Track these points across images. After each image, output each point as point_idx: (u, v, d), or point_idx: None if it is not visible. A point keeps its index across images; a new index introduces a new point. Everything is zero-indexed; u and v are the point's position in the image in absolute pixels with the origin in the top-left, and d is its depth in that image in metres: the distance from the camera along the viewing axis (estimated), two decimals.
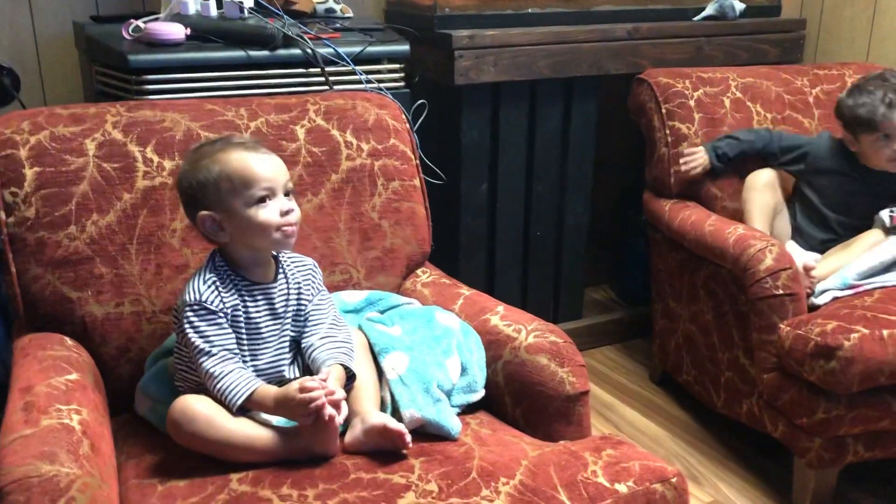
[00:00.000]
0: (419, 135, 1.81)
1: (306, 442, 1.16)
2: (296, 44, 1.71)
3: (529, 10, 2.21)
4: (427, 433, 1.24)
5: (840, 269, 1.85)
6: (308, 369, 1.26)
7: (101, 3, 2.02)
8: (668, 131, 2.08)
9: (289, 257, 1.31)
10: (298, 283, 1.28)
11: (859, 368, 1.57)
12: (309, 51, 1.71)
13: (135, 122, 1.44)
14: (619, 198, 2.69)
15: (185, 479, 1.14)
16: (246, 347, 1.22)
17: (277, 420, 1.18)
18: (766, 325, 1.72)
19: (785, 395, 1.70)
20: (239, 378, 1.16)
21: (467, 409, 1.36)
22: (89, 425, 1.09)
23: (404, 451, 1.18)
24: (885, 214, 1.90)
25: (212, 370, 1.16)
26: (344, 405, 1.16)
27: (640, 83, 2.16)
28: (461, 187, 2.20)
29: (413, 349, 1.33)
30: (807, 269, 1.82)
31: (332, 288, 1.51)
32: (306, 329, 1.28)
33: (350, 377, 1.23)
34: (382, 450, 1.17)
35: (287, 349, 1.27)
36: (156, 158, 1.42)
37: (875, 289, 1.80)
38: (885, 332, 1.59)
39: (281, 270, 1.27)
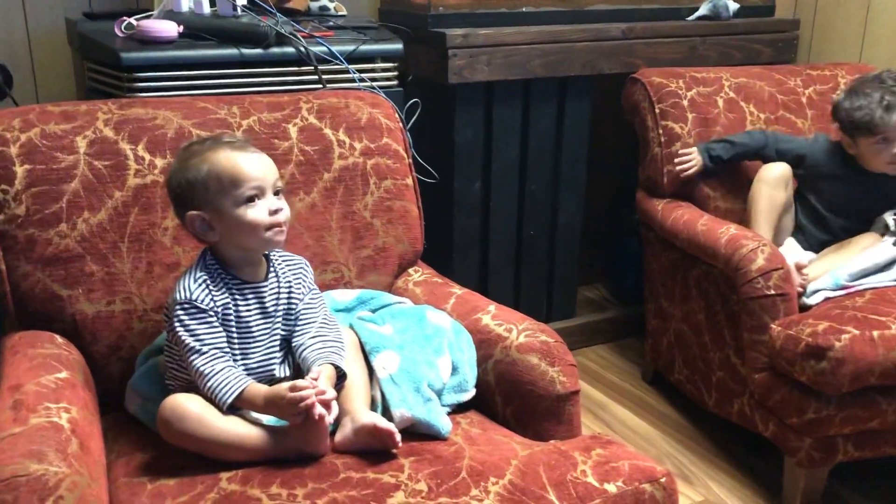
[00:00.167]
0: (412, 134, 1.81)
1: (296, 441, 1.16)
2: (289, 42, 1.71)
3: (523, 9, 2.21)
4: (417, 432, 1.24)
5: (832, 269, 1.86)
6: (299, 368, 1.26)
7: (95, 0, 2.02)
8: (661, 131, 2.08)
9: (280, 256, 1.30)
10: (289, 281, 1.28)
11: (850, 369, 1.57)
12: (302, 49, 1.71)
13: (126, 119, 1.44)
14: (613, 197, 2.69)
15: (174, 477, 1.14)
16: (236, 346, 1.22)
17: (268, 419, 1.18)
18: (757, 325, 1.73)
19: (776, 394, 1.71)
20: (229, 376, 1.16)
21: (458, 409, 1.36)
22: (78, 424, 1.09)
23: (394, 451, 1.18)
24: (889, 218, 1.89)
25: (202, 368, 1.16)
26: (334, 404, 1.17)
27: (633, 83, 2.16)
28: (455, 186, 2.20)
29: (404, 348, 1.33)
30: (798, 267, 1.83)
31: (324, 287, 1.51)
32: (297, 328, 1.28)
33: (341, 376, 1.23)
34: (372, 449, 1.18)
35: (278, 348, 1.27)
36: (147, 156, 1.42)
37: (866, 290, 1.81)
38: (876, 333, 1.60)
39: (272, 269, 1.27)
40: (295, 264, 1.31)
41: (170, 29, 1.66)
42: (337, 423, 1.21)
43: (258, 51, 1.68)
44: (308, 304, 1.29)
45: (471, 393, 1.37)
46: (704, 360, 1.97)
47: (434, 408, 1.26)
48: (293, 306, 1.28)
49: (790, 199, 1.99)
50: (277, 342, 1.27)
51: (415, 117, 1.86)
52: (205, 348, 1.17)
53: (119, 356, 1.38)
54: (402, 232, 1.62)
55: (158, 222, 1.41)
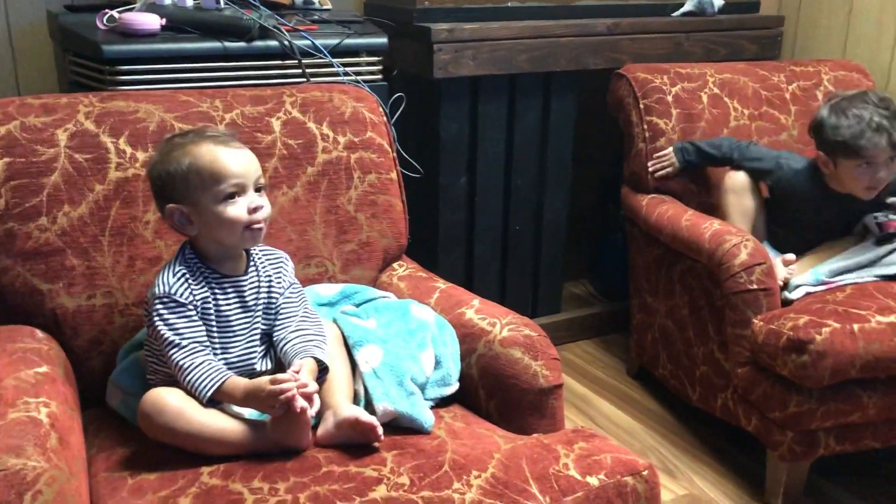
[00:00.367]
0: (398, 128, 1.81)
1: (278, 435, 1.15)
2: (272, 35, 1.70)
3: (509, 5, 2.21)
4: (400, 426, 1.24)
5: (815, 266, 1.87)
6: (280, 363, 1.26)
7: None
8: (645, 126, 2.09)
9: (260, 250, 1.30)
10: (269, 275, 1.28)
11: (830, 362, 1.58)
12: (286, 42, 1.70)
13: (108, 112, 1.42)
14: (599, 192, 2.70)
15: (155, 472, 1.14)
16: (216, 341, 1.22)
17: (249, 413, 1.18)
18: (740, 319, 1.73)
19: (758, 389, 1.72)
20: (208, 369, 1.15)
21: (441, 403, 1.36)
22: (58, 418, 1.08)
23: (376, 445, 1.18)
24: (871, 222, 1.88)
25: (181, 362, 1.15)
26: (316, 398, 1.16)
27: (618, 78, 2.16)
28: (440, 181, 2.20)
29: (387, 342, 1.33)
30: (786, 262, 1.83)
31: (308, 281, 1.51)
32: (277, 322, 1.27)
33: (323, 369, 1.23)
34: (354, 443, 1.17)
35: (258, 342, 1.27)
36: (129, 150, 1.41)
37: (847, 284, 1.82)
38: (856, 327, 1.61)
39: (252, 263, 1.27)
40: (275, 258, 1.31)
41: (152, 22, 1.65)
42: (319, 416, 1.21)
43: (241, 44, 1.67)
44: (288, 297, 1.29)
45: (454, 387, 1.37)
46: (688, 355, 1.97)
47: (417, 402, 1.26)
48: (273, 300, 1.28)
49: (760, 201, 1.97)
50: (258, 336, 1.26)
51: (399, 111, 1.86)
52: (184, 342, 1.16)
53: (100, 350, 1.37)
54: (386, 226, 1.62)
55: (140, 216, 1.40)
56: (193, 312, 1.18)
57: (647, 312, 2.15)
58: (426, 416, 1.25)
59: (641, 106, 2.09)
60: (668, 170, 2.04)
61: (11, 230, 1.32)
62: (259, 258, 1.28)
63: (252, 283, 1.26)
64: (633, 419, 2.13)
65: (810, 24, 2.60)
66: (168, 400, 1.14)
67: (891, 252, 1.85)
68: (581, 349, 2.51)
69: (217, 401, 1.16)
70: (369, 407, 1.25)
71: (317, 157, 1.55)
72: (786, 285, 1.82)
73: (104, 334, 1.37)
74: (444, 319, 1.42)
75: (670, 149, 2.04)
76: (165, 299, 1.17)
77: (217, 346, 1.22)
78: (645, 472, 1.16)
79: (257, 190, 1.21)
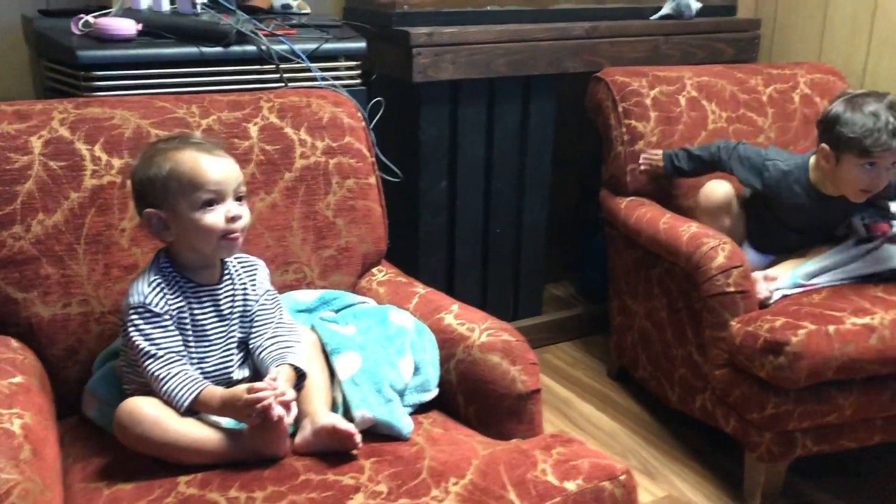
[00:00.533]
0: (377, 132, 1.81)
1: (255, 443, 1.15)
2: (250, 40, 1.69)
3: (488, 8, 2.22)
4: (379, 433, 1.24)
5: (792, 269, 1.88)
6: (258, 371, 1.25)
7: None
8: (624, 129, 2.10)
9: (235, 258, 1.29)
10: (244, 283, 1.28)
11: (806, 363, 1.60)
12: (263, 47, 1.70)
13: (83, 119, 1.41)
14: (579, 195, 2.71)
15: (131, 482, 1.13)
16: (193, 350, 1.21)
17: (226, 421, 1.17)
18: (717, 321, 1.75)
19: (736, 390, 1.73)
20: (185, 379, 1.15)
21: (420, 409, 1.36)
22: (32, 429, 1.07)
23: (354, 452, 1.18)
24: (858, 223, 1.88)
25: (157, 373, 1.15)
26: (294, 405, 1.16)
27: (597, 82, 2.17)
28: (420, 185, 2.20)
29: (366, 349, 1.33)
30: (768, 279, 1.84)
31: (286, 287, 1.50)
32: (253, 329, 1.27)
33: (301, 376, 1.23)
34: (332, 451, 1.17)
35: (235, 351, 1.26)
36: (104, 157, 1.40)
37: (823, 287, 1.84)
38: (832, 328, 1.63)
39: (227, 271, 1.26)
40: (250, 265, 1.30)
41: (128, 27, 1.64)
42: (297, 424, 1.20)
43: (219, 49, 1.66)
44: (263, 305, 1.29)
45: (433, 393, 1.37)
46: (667, 357, 1.99)
47: (395, 408, 1.26)
48: (249, 308, 1.27)
49: (736, 218, 1.97)
50: (234, 345, 1.26)
51: (378, 116, 1.86)
52: (160, 352, 1.16)
53: (76, 359, 1.36)
54: (365, 231, 1.62)
55: (116, 223, 1.39)
56: (169, 322, 1.18)
57: (627, 315, 2.16)
58: (405, 423, 1.25)
59: (620, 109, 2.11)
60: (650, 168, 2.06)
61: None
62: (234, 266, 1.28)
63: (227, 291, 1.25)
64: (614, 421, 2.14)
65: (786, 27, 2.62)
66: (144, 409, 1.14)
67: (869, 252, 1.87)
68: (562, 351, 2.52)
69: (194, 410, 1.15)
70: (348, 414, 1.25)
71: (294, 162, 1.55)
72: (769, 297, 1.82)
73: (80, 343, 1.36)
74: (423, 325, 1.42)
75: (661, 152, 2.05)
76: (141, 309, 1.16)
77: (193, 355, 1.21)
78: (622, 477, 1.17)
79: (238, 199, 1.21)
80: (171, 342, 1.17)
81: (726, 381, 1.75)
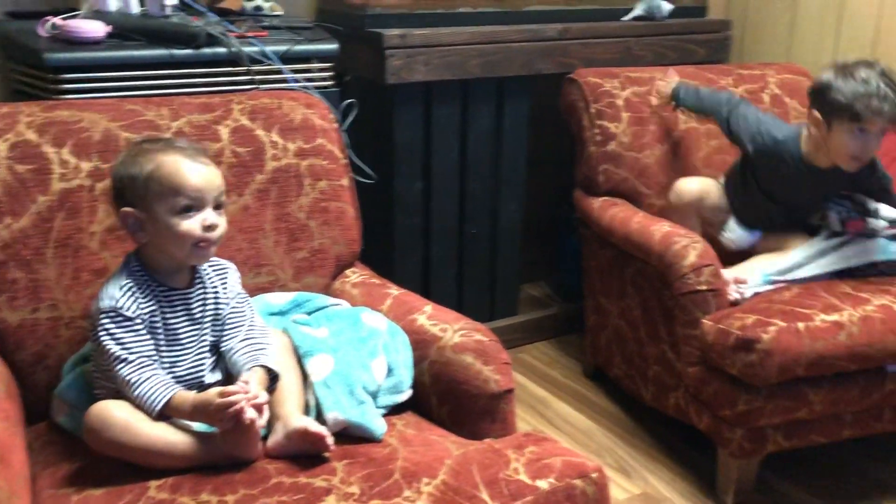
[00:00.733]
0: (351, 134, 1.81)
1: (227, 446, 1.14)
2: (220, 42, 1.68)
3: (460, 10, 2.22)
4: (352, 435, 1.24)
5: (763, 268, 1.90)
6: (230, 374, 1.25)
7: None
8: (596, 130, 2.11)
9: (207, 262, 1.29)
10: (216, 286, 1.27)
11: (777, 360, 1.62)
12: (234, 49, 1.69)
13: (51, 122, 1.40)
14: (554, 195, 2.72)
15: (101, 487, 1.12)
16: (165, 354, 1.20)
17: (198, 425, 1.16)
18: (689, 319, 1.76)
19: (708, 387, 1.75)
20: (156, 384, 1.14)
21: (394, 410, 1.36)
22: None
23: (327, 455, 1.17)
24: (833, 217, 1.90)
25: (128, 377, 1.14)
26: (266, 408, 1.16)
27: (570, 83, 2.19)
28: (395, 186, 2.20)
29: (338, 351, 1.33)
30: (738, 282, 1.86)
31: (258, 290, 1.50)
32: (225, 332, 1.27)
33: (273, 378, 1.22)
34: (305, 453, 1.17)
35: (207, 354, 1.26)
36: (73, 160, 1.39)
37: (794, 282, 1.86)
38: (801, 325, 1.65)
39: (198, 275, 1.26)
40: (221, 269, 1.30)
41: (97, 29, 1.63)
42: (269, 427, 1.20)
43: (189, 51, 1.65)
44: (234, 308, 1.28)
45: (406, 394, 1.37)
46: (641, 356, 2.00)
47: (368, 410, 1.26)
48: (220, 311, 1.27)
49: (714, 207, 2.00)
50: (206, 349, 1.25)
51: (351, 117, 1.86)
52: (131, 357, 1.15)
53: (45, 365, 1.35)
54: (338, 233, 1.61)
55: (85, 227, 1.38)
56: (141, 326, 1.17)
57: (601, 314, 2.17)
58: (377, 425, 1.25)
59: (592, 110, 2.12)
60: (661, 91, 2.11)
61: None
62: (205, 270, 1.27)
63: (199, 295, 1.24)
64: (590, 419, 2.16)
65: (756, 28, 2.66)
66: (114, 413, 1.13)
67: (840, 245, 1.90)
68: (538, 350, 2.53)
69: (166, 415, 1.15)
70: (320, 417, 1.24)
71: (266, 164, 1.54)
72: (742, 297, 1.84)
73: (49, 348, 1.35)
74: (396, 326, 1.42)
75: (677, 80, 2.09)
76: (112, 313, 1.15)
77: (165, 359, 1.20)
78: (594, 475, 1.17)
79: (217, 207, 1.20)
80: (142, 346, 1.16)
81: (699, 378, 1.77)
